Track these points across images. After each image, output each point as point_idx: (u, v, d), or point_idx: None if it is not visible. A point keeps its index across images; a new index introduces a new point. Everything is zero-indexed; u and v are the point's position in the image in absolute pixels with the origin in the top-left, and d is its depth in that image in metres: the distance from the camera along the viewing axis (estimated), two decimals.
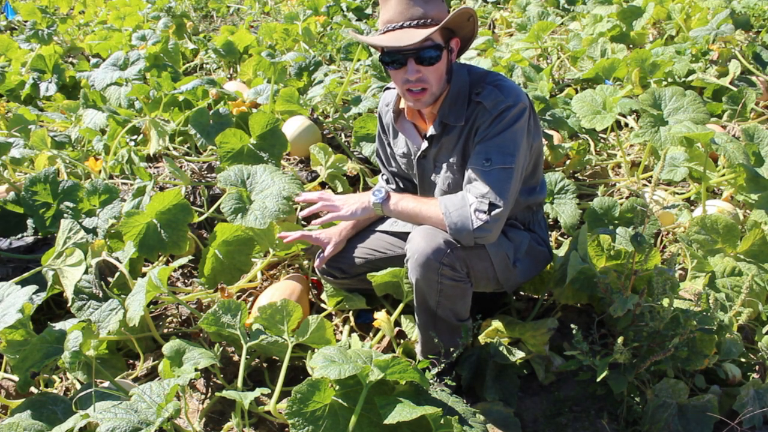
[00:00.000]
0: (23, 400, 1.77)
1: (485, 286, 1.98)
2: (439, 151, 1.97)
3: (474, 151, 1.83)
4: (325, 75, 3.92)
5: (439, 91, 1.85)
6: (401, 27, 1.75)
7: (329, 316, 2.41)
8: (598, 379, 1.76)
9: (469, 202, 1.76)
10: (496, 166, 1.76)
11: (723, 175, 2.66)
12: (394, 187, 2.30)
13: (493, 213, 1.74)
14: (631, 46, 4.60)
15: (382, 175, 2.36)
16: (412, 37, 1.71)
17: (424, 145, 1.98)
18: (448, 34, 1.80)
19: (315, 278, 2.52)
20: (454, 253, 1.79)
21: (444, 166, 1.96)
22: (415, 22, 1.74)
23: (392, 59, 1.78)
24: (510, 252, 1.94)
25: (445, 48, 1.79)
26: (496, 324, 2.06)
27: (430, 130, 1.94)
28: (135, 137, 3.53)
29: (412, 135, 2.06)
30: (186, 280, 2.72)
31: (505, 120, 1.78)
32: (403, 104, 2.04)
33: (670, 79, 3.82)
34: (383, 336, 2.23)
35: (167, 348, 1.85)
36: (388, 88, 2.19)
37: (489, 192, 1.74)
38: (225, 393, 1.66)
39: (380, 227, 2.27)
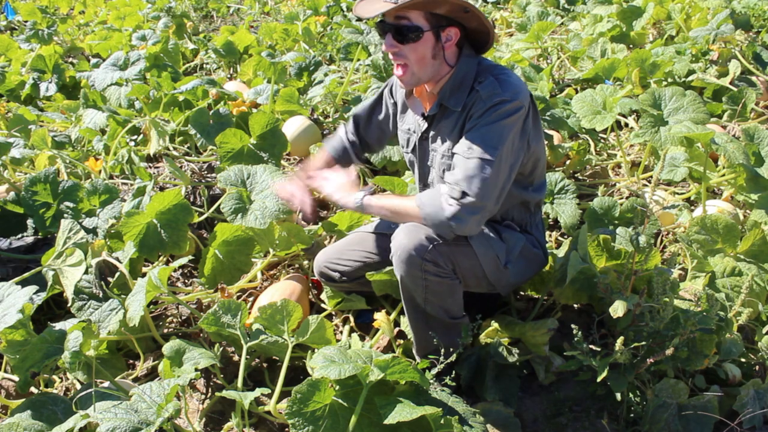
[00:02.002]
0: (23, 400, 1.77)
1: (477, 286, 1.97)
2: (437, 135, 1.95)
3: (460, 140, 1.82)
4: (325, 75, 3.92)
5: (424, 75, 1.84)
6: None
7: (329, 316, 2.41)
8: (599, 380, 1.76)
9: (442, 191, 1.76)
10: (475, 155, 1.73)
11: (723, 175, 2.66)
12: (354, 139, 2.31)
13: (463, 201, 1.71)
14: (631, 46, 4.60)
15: (350, 124, 2.34)
16: (380, 7, 1.73)
17: (424, 125, 1.98)
18: (439, 21, 1.78)
19: (315, 278, 2.52)
20: (437, 249, 1.78)
21: (440, 151, 1.95)
22: None
23: (377, 27, 1.84)
24: (501, 253, 1.93)
25: (429, 31, 1.77)
26: (496, 324, 2.06)
27: (429, 110, 1.94)
28: (135, 137, 3.53)
29: (418, 114, 2.04)
30: (186, 280, 2.72)
31: (497, 113, 1.76)
32: None
33: (670, 79, 3.83)
34: (383, 336, 2.22)
35: (167, 348, 1.85)
36: None
37: (462, 180, 1.72)
38: (225, 393, 1.66)
39: (378, 229, 2.27)
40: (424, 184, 2.08)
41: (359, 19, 1.88)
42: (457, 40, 1.84)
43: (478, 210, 1.73)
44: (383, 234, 2.22)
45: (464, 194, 1.71)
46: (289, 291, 2.34)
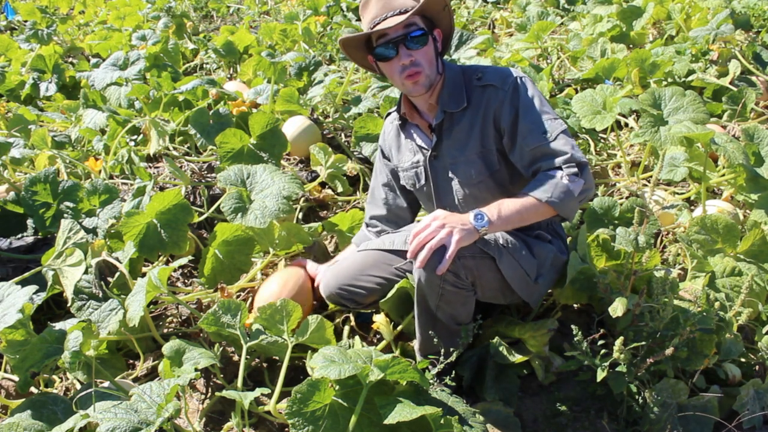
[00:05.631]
0: (23, 400, 1.77)
1: (494, 298, 1.96)
2: (451, 145, 1.98)
3: (519, 132, 1.87)
4: (325, 75, 3.92)
5: (433, 75, 1.93)
6: (385, 18, 1.87)
7: (329, 316, 2.41)
8: (599, 380, 1.76)
9: (558, 175, 1.79)
10: (555, 132, 1.83)
11: (723, 175, 2.66)
12: (376, 230, 2.29)
13: (583, 170, 1.81)
14: (631, 46, 4.59)
15: (366, 224, 2.34)
16: (399, 17, 1.83)
17: (434, 139, 2.00)
18: (429, 24, 1.92)
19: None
20: (460, 261, 1.78)
21: (462, 159, 1.96)
22: (397, 11, 1.86)
23: (384, 52, 1.89)
24: (532, 269, 1.92)
25: (428, 34, 1.90)
26: (497, 324, 2.06)
27: (435, 120, 1.98)
28: (135, 137, 3.53)
29: (422, 135, 2.08)
30: (186, 280, 2.72)
31: (523, 90, 1.88)
32: (403, 109, 2.07)
33: (670, 79, 3.82)
34: (385, 342, 2.22)
35: (167, 348, 1.85)
36: (388, 114, 2.25)
37: (568, 156, 1.80)
38: (225, 393, 1.66)
39: (393, 245, 2.12)
40: (443, 204, 2.05)
41: (376, 49, 1.94)
42: (441, 41, 1.98)
43: (587, 163, 1.83)
44: (394, 251, 2.09)
45: (579, 165, 1.80)
46: (294, 278, 2.31)
